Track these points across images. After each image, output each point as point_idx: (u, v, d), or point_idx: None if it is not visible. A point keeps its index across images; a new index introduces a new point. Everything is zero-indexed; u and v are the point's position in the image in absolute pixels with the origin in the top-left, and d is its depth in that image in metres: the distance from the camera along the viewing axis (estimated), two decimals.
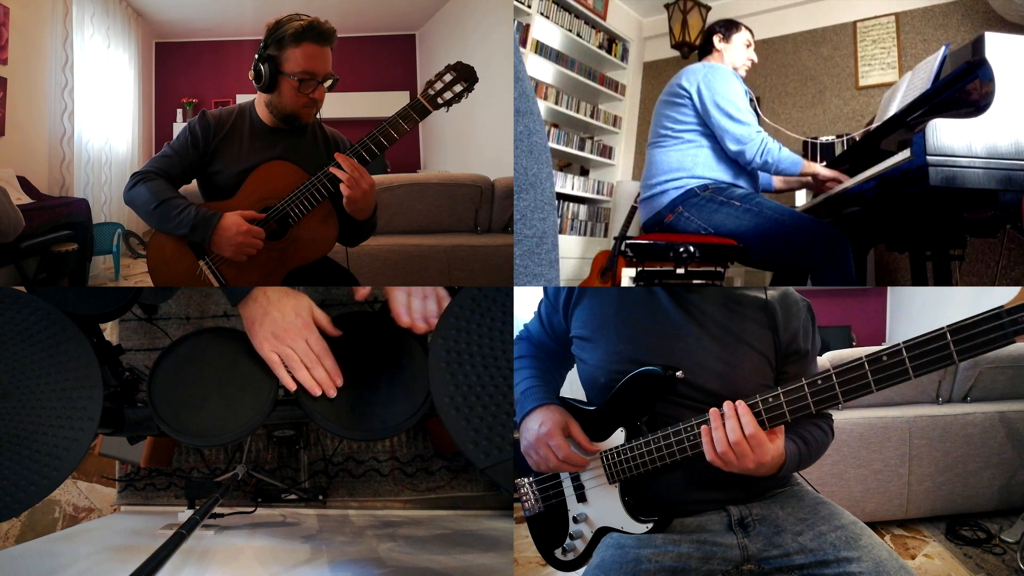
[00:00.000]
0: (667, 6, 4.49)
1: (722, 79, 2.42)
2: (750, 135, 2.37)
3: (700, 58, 2.68)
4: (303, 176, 1.49)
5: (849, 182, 2.27)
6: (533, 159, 1.00)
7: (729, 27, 2.62)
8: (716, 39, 2.61)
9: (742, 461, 0.98)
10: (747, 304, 1.13)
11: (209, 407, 1.17)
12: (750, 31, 2.65)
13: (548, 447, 1.14)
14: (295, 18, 1.48)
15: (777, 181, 2.70)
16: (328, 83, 1.52)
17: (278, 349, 1.16)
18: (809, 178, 2.55)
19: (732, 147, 2.39)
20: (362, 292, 1.28)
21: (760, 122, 2.48)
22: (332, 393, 1.17)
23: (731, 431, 0.98)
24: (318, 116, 1.62)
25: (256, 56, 1.50)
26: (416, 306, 1.20)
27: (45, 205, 3.07)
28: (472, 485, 2.20)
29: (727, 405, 0.99)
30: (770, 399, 0.98)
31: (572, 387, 1.31)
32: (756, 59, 2.68)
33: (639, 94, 5.14)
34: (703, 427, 1.01)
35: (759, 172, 2.58)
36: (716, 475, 1.12)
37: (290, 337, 1.16)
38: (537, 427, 1.15)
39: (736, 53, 2.61)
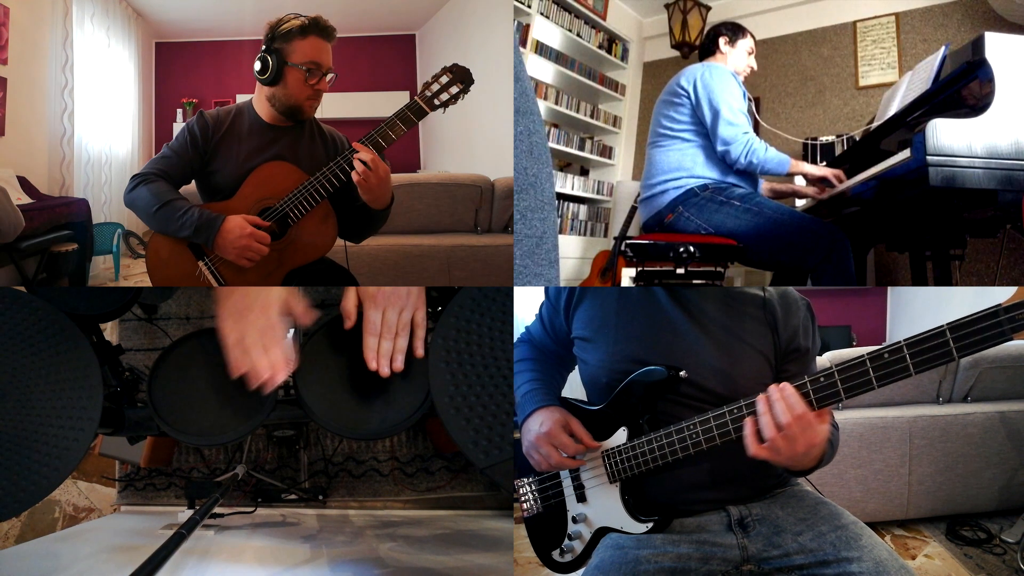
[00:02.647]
0: (667, 6, 4.49)
1: (720, 79, 2.43)
2: (736, 136, 2.37)
3: (701, 58, 2.68)
4: (302, 176, 1.50)
5: (849, 182, 2.27)
6: (533, 159, 1.00)
7: (735, 31, 2.63)
8: (722, 41, 2.62)
9: (792, 445, 0.93)
10: (746, 303, 1.13)
11: (209, 407, 1.17)
12: (754, 38, 2.67)
13: (550, 445, 1.14)
14: (297, 15, 1.53)
15: (764, 189, 2.69)
16: (329, 78, 1.55)
17: (233, 329, 1.07)
18: (798, 180, 2.54)
19: (719, 147, 2.40)
20: (347, 324, 1.15)
21: (758, 125, 2.48)
22: (267, 389, 1.07)
23: (781, 413, 0.93)
24: (315, 116, 1.63)
25: (263, 49, 1.54)
26: (385, 348, 1.12)
27: (45, 205, 3.07)
28: (472, 485, 2.20)
29: (773, 388, 0.95)
30: None
31: (573, 387, 1.31)
32: (756, 67, 2.69)
33: (639, 94, 5.14)
34: (747, 419, 0.97)
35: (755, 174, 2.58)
36: (716, 475, 1.12)
37: (246, 318, 1.07)
38: (538, 427, 1.16)
39: (738, 58, 2.62)
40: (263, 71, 1.53)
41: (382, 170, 1.46)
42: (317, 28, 1.52)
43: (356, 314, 1.14)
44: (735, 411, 1.01)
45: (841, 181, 2.37)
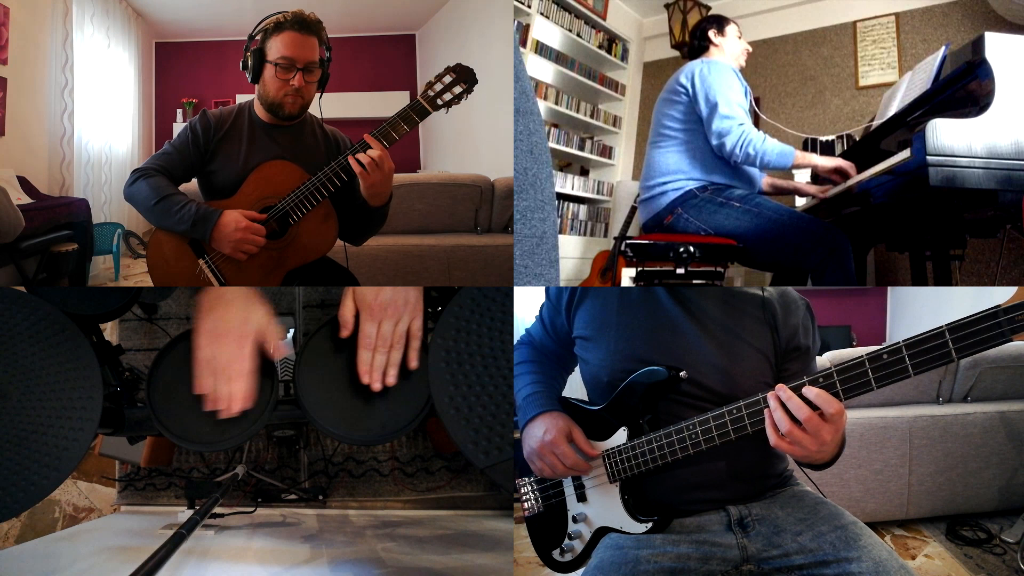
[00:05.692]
0: (667, 6, 4.50)
1: (718, 74, 2.39)
2: (731, 127, 2.30)
3: (694, 57, 2.65)
4: (303, 175, 1.50)
5: (850, 181, 2.26)
6: (533, 159, 1.00)
7: (720, 21, 2.62)
8: (711, 34, 2.59)
9: (818, 435, 0.92)
10: (746, 302, 1.13)
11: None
12: (736, 24, 2.65)
13: (553, 455, 1.14)
14: (281, 12, 1.53)
15: (765, 185, 2.65)
16: (313, 72, 1.54)
17: (207, 348, 1.09)
18: (798, 182, 2.51)
19: (713, 141, 2.35)
20: (344, 333, 1.14)
21: (760, 122, 2.46)
22: (220, 416, 1.10)
23: (797, 409, 0.92)
24: (320, 115, 1.63)
25: (244, 48, 1.54)
26: (379, 363, 1.12)
27: (45, 205, 3.07)
28: (472, 485, 2.20)
29: (782, 389, 0.94)
30: None
31: (573, 387, 1.31)
32: (750, 48, 2.67)
33: (639, 94, 5.14)
34: (765, 411, 0.96)
35: (755, 173, 2.56)
36: (716, 475, 1.12)
37: (222, 341, 1.09)
38: (541, 434, 1.15)
39: (732, 45, 2.59)
40: (245, 69, 1.54)
41: (387, 167, 1.46)
42: (293, 23, 1.51)
43: (353, 323, 1.14)
44: (735, 411, 1.01)
45: (852, 173, 2.30)
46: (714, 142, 2.35)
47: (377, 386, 1.11)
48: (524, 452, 1.19)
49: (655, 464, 1.09)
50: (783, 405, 0.94)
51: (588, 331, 1.21)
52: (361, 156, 1.43)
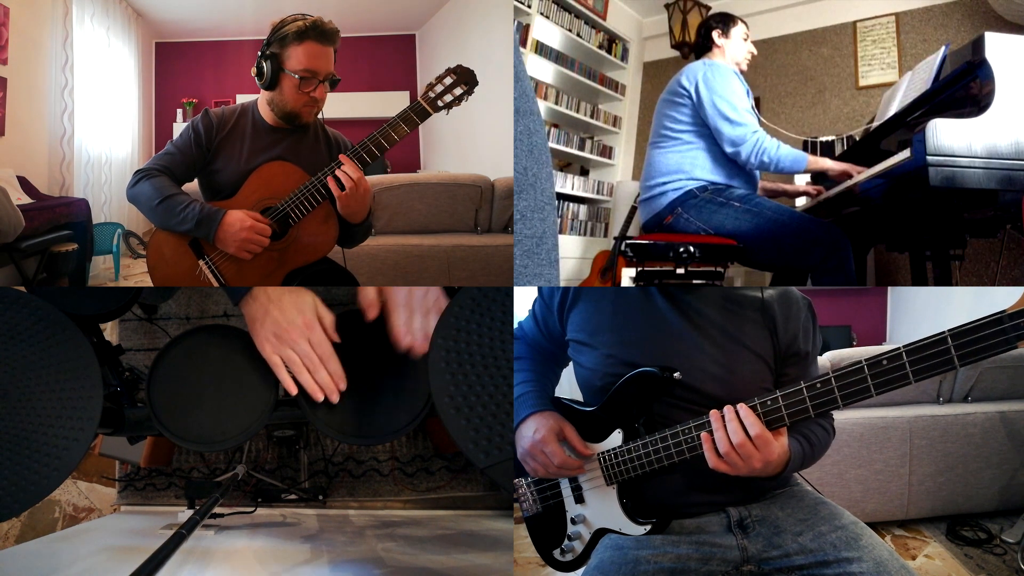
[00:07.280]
0: (667, 6, 4.49)
1: (721, 78, 2.39)
2: (745, 136, 2.33)
3: (698, 56, 2.65)
4: (304, 177, 1.49)
5: (849, 182, 2.26)
6: (533, 159, 1.00)
7: (727, 21, 2.59)
8: (715, 35, 2.57)
9: (748, 462, 0.96)
10: (745, 305, 1.13)
11: (209, 410, 1.16)
12: (745, 23, 2.63)
13: (543, 454, 1.13)
14: (299, 17, 1.50)
15: (759, 189, 2.64)
16: (329, 83, 1.53)
17: (279, 351, 1.12)
18: (787, 185, 2.52)
19: (728, 149, 2.37)
20: (372, 312, 1.18)
21: (759, 123, 2.46)
22: (334, 398, 1.13)
23: (733, 433, 0.96)
24: (320, 116, 1.63)
25: (259, 53, 1.52)
26: (417, 325, 1.14)
27: (45, 205, 3.07)
28: (472, 485, 2.20)
29: (727, 409, 0.97)
30: (768, 402, 0.97)
31: (572, 387, 1.31)
32: (755, 51, 2.66)
33: (639, 94, 5.13)
34: (703, 434, 0.99)
35: (755, 174, 2.56)
36: (715, 477, 1.12)
37: (292, 337, 1.12)
38: (531, 434, 1.15)
39: (736, 47, 2.57)
40: (260, 76, 1.51)
41: (362, 189, 1.45)
42: (315, 33, 1.47)
43: (379, 306, 1.16)
44: None
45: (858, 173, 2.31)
46: (728, 150, 2.38)
47: (423, 347, 1.12)
48: (517, 453, 1.19)
49: (651, 467, 1.08)
50: (724, 427, 0.97)
51: (582, 335, 1.20)
52: (340, 175, 1.43)
